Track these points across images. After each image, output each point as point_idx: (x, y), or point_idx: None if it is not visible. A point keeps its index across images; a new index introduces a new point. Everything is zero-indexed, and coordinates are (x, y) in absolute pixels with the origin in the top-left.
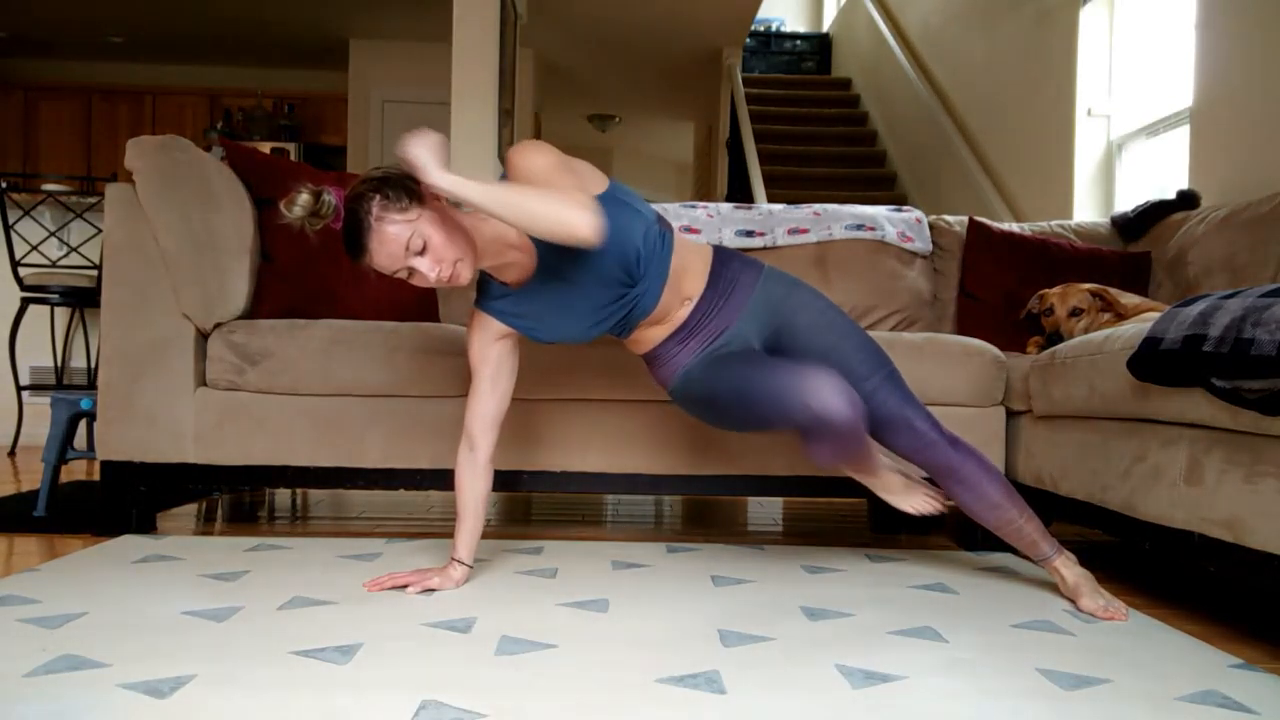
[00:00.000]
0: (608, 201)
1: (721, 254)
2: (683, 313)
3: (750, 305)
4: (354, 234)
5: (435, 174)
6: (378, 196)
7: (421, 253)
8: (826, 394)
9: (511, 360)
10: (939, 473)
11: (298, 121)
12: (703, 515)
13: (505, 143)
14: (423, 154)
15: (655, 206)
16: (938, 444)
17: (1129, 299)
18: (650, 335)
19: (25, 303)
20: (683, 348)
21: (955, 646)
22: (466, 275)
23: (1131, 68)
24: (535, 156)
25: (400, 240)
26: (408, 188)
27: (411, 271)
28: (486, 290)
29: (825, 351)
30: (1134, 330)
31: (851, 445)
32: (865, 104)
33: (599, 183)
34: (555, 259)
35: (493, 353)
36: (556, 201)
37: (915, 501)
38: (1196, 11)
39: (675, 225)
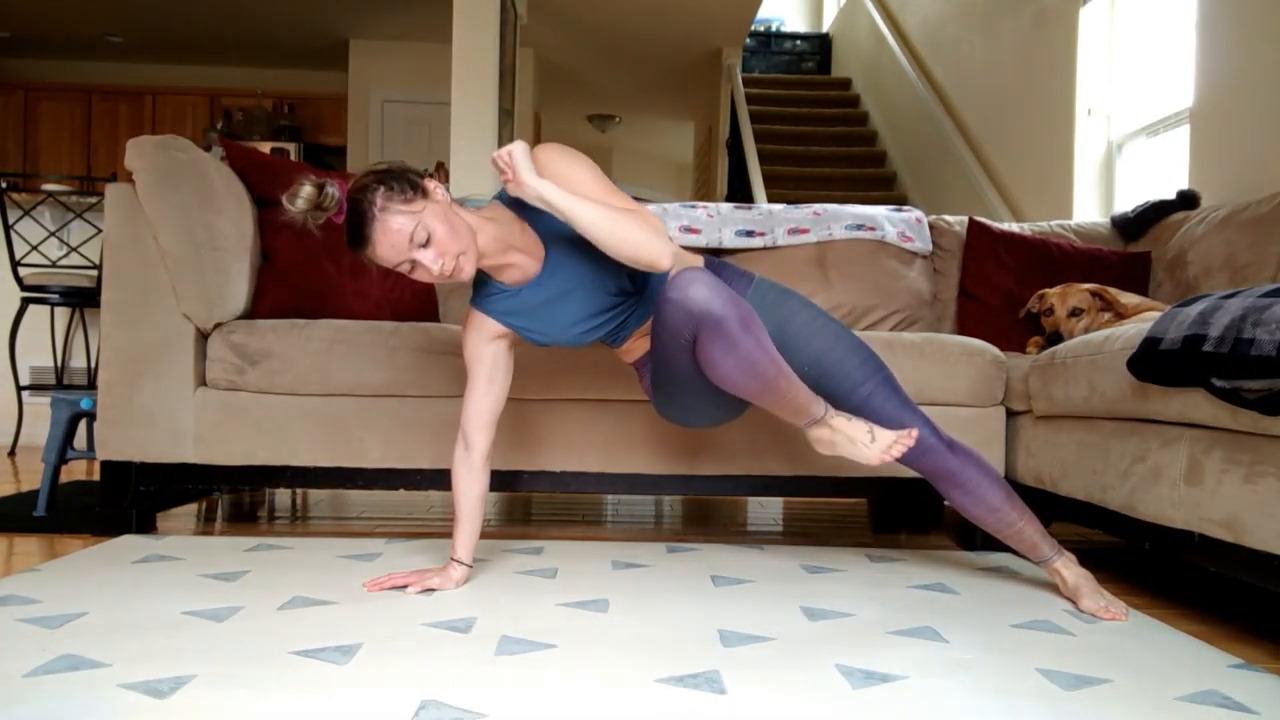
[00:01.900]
0: None
1: (712, 266)
2: None
3: None
4: (357, 225)
5: (529, 176)
6: (382, 188)
7: (425, 245)
8: (695, 291)
9: (507, 359)
10: (937, 477)
11: (298, 121)
12: (703, 515)
13: (505, 142)
14: (519, 156)
15: (655, 206)
16: (936, 449)
17: (1129, 299)
18: (641, 346)
19: (25, 303)
20: None
21: (955, 646)
22: (469, 270)
23: (1131, 68)
24: (580, 170)
25: (404, 232)
26: (411, 180)
27: (414, 265)
28: (484, 289)
29: (819, 356)
30: (1134, 330)
31: (747, 352)
32: (865, 104)
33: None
34: (562, 264)
35: (488, 352)
36: (640, 228)
37: (878, 451)
38: (1196, 11)
39: (675, 225)
